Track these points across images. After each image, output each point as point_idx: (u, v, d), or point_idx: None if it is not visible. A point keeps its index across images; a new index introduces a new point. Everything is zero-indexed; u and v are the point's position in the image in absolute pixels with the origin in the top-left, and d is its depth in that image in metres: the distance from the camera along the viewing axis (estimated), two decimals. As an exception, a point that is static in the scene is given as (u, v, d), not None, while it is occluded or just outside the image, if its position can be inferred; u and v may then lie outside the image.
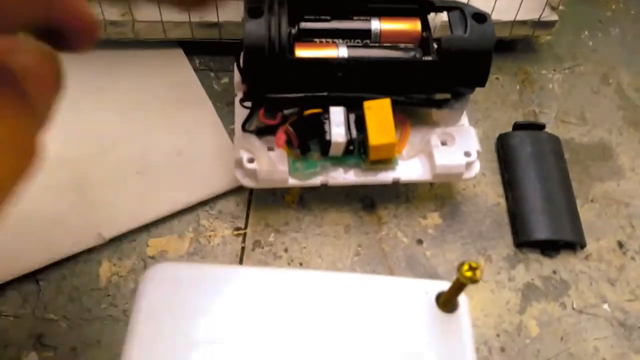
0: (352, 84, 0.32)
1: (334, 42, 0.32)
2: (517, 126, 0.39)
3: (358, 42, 0.33)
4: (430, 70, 0.31)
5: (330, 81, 0.31)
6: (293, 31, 0.32)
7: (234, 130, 0.38)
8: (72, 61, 0.41)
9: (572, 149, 0.40)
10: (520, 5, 0.40)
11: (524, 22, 0.42)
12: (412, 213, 0.36)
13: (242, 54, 0.33)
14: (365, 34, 0.33)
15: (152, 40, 0.41)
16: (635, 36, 0.47)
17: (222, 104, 0.40)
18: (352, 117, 0.32)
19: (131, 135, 0.37)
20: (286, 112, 0.31)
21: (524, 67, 0.44)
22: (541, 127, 0.39)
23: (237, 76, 0.36)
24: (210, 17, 0.40)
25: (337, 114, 0.31)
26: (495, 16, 0.40)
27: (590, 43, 0.46)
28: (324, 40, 0.33)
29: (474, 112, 0.41)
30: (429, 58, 0.32)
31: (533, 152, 0.38)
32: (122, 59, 0.41)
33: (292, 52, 0.31)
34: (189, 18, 0.40)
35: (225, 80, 0.42)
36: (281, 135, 0.31)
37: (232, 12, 0.40)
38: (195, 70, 0.42)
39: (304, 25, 0.32)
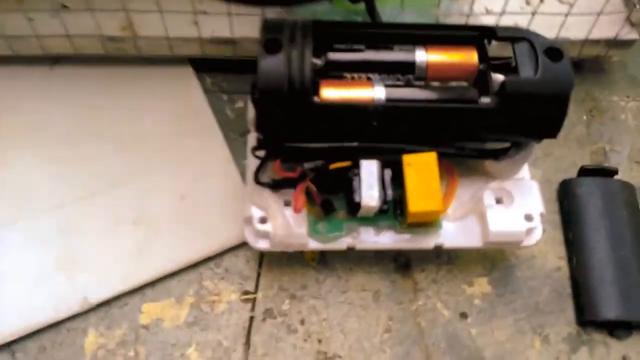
0: (389, 132, 0.26)
1: (368, 79, 0.26)
2: (584, 171, 0.33)
3: (398, 78, 0.27)
4: (489, 118, 0.25)
5: (363, 129, 0.25)
6: (319, 63, 0.26)
7: (244, 166, 0.32)
8: (65, 79, 0.35)
9: (649, 198, 0.33)
10: (595, 23, 0.33)
11: (596, 42, 0.35)
12: (455, 277, 0.30)
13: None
14: (408, 67, 0.26)
15: (157, 57, 0.36)
16: None
17: (235, 134, 0.35)
18: (387, 172, 0.26)
19: (128, 173, 0.32)
20: (307, 165, 0.26)
21: (593, 93, 0.37)
22: (613, 172, 0.33)
23: (250, 111, 0.30)
24: (224, 32, 0.34)
25: (369, 169, 0.25)
26: (563, 33, 0.34)
27: (672, 62, 0.39)
28: (356, 75, 0.27)
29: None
30: (487, 100, 0.25)
31: (603, 205, 0.31)
32: (122, 77, 0.36)
33: (316, 92, 0.25)
34: (199, 33, 0.34)
35: (240, 104, 0.36)
36: (300, 197, 0.25)
37: (248, 27, 0.34)
38: (206, 91, 0.36)
39: (333, 56, 0.26)
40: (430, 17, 0.32)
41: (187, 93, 0.36)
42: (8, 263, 0.29)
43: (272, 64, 0.24)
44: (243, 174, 0.32)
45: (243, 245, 0.30)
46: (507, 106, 0.24)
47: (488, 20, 0.34)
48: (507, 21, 0.34)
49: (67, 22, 0.33)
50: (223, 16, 0.33)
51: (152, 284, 0.29)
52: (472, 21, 0.33)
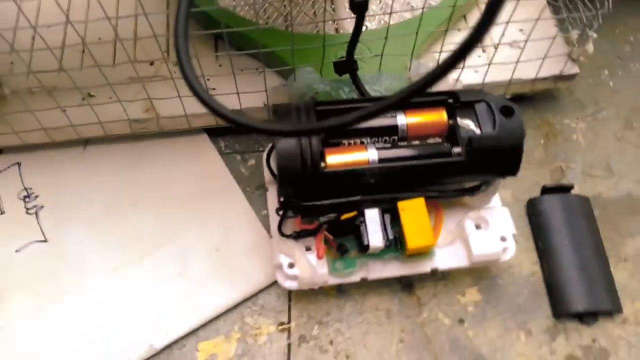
0: (384, 185, 0.32)
1: (362, 143, 0.33)
2: (546, 189, 0.39)
3: (386, 140, 0.33)
4: (461, 167, 0.32)
5: (363, 185, 0.32)
6: (321, 134, 0.32)
7: (266, 216, 0.39)
8: (98, 158, 0.41)
9: (601, 205, 0.40)
10: (542, 64, 0.40)
11: (545, 78, 0.42)
12: (451, 290, 0.37)
13: (271, 153, 0.33)
14: (392, 130, 0.33)
15: (176, 130, 0.42)
16: (655, 72, 0.47)
17: (252, 188, 0.41)
18: (387, 217, 0.32)
19: (166, 234, 0.38)
20: (322, 218, 0.32)
21: (547, 118, 0.44)
22: (570, 188, 0.39)
23: (267, 174, 0.37)
24: (233, 104, 0.40)
25: (372, 217, 0.32)
26: (516, 75, 0.40)
27: (611, 83, 0.46)
28: (352, 141, 0.33)
29: (501, 175, 0.41)
30: (458, 150, 0.32)
31: (564, 217, 0.38)
32: (147, 150, 0.42)
33: (323, 159, 0.31)
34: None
35: (252, 162, 0.42)
36: (320, 246, 0.32)
37: (253, 99, 0.40)
38: (221, 153, 0.42)
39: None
40: (404, 79, 0.39)
41: (205, 157, 0.42)
42: (85, 321, 0.35)
43: (287, 145, 0.30)
44: (264, 223, 0.39)
45: (273, 284, 0.37)
46: (474, 157, 0.31)
47: (452, 73, 0.40)
48: (468, 71, 0.41)
49: (96, 109, 0.39)
50: (231, 91, 0.39)
51: (203, 326, 0.35)
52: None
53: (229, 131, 0.43)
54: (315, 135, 0.30)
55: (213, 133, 0.43)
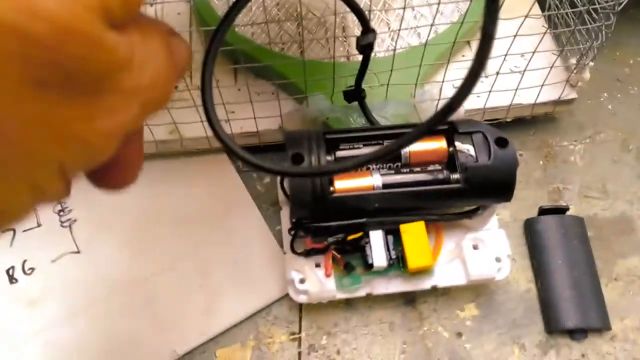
0: (387, 209, 0.35)
1: (367, 169, 0.36)
2: (543, 210, 0.42)
3: (390, 166, 0.36)
4: (459, 194, 0.34)
5: (368, 209, 0.35)
6: (330, 158, 0.35)
7: (279, 232, 0.42)
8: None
9: (595, 225, 0.42)
10: (541, 90, 0.43)
11: (545, 103, 0.44)
12: (450, 305, 0.39)
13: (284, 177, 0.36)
14: (396, 157, 0.36)
15: (198, 150, 0.45)
16: (653, 95, 0.48)
17: (267, 205, 0.44)
18: (390, 237, 0.35)
19: (189, 248, 0.41)
20: (331, 239, 0.35)
21: (546, 140, 0.47)
22: (566, 209, 0.42)
23: (281, 195, 0.40)
24: (250, 128, 0.43)
25: (376, 238, 0.35)
26: (516, 100, 0.43)
27: (610, 106, 0.48)
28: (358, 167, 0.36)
29: (501, 195, 0.43)
30: (457, 176, 0.35)
31: (559, 237, 0.40)
32: (171, 168, 0.45)
33: (332, 184, 0.34)
34: (231, 130, 0.43)
35: (267, 180, 0.45)
36: (328, 264, 0.35)
37: (269, 122, 0.43)
38: (238, 172, 0.45)
39: (340, 154, 0.36)
40: (409, 105, 0.41)
41: (224, 175, 0.45)
42: (113, 327, 0.38)
43: (288, 167, 0.33)
44: (277, 238, 0.42)
45: (285, 296, 0.40)
46: (471, 185, 0.34)
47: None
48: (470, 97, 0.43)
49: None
50: (249, 115, 0.42)
51: (221, 333, 0.39)
52: (442, 103, 0.42)
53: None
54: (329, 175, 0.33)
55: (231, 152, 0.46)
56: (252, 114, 0.41)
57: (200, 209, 0.43)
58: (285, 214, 0.40)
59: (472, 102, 0.44)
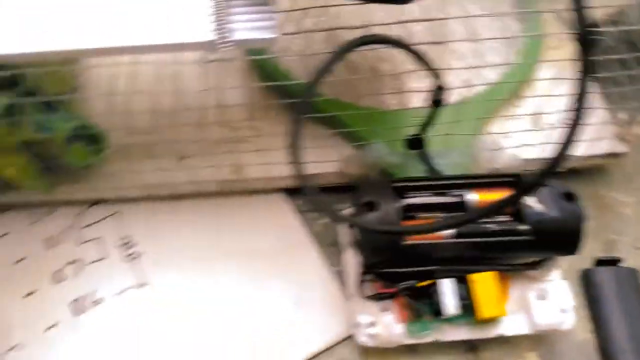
0: (457, 258, 0.36)
1: (435, 218, 0.37)
2: (598, 262, 0.43)
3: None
4: (527, 246, 0.35)
5: (438, 257, 0.36)
6: (398, 205, 0.37)
7: (339, 272, 0.42)
8: (190, 210, 0.46)
9: (650, 278, 0.43)
10: (591, 144, 0.44)
11: (595, 156, 0.45)
12: (512, 353, 0.40)
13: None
14: (463, 206, 0.37)
15: (259, 189, 0.46)
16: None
17: (324, 245, 0.45)
18: (460, 286, 0.36)
19: (250, 286, 0.42)
20: (402, 285, 0.36)
21: (598, 192, 0.48)
22: (619, 260, 0.43)
23: (343, 237, 0.41)
24: (310, 170, 0.45)
25: (446, 287, 0.36)
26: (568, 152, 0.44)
27: (660, 158, 0.49)
28: (425, 215, 0.37)
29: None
30: (524, 229, 0.36)
31: (616, 289, 0.41)
32: (232, 205, 0.46)
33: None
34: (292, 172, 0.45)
35: (324, 220, 0.46)
36: (399, 310, 0.36)
37: (327, 166, 0.44)
38: (298, 211, 0.46)
39: (407, 201, 0.37)
40: (469, 155, 0.43)
41: (284, 214, 0.46)
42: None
43: (372, 221, 0.34)
44: (337, 278, 0.42)
45: (347, 337, 0.40)
46: (539, 238, 0.35)
47: (508, 149, 0.44)
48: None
49: (189, 170, 0.44)
50: (312, 157, 0.43)
51: (284, 374, 0.39)
52: (500, 153, 0.43)
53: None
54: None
55: (290, 192, 0.47)
56: (310, 157, 0.42)
57: (262, 246, 0.44)
58: (349, 257, 0.41)
59: (527, 153, 0.45)
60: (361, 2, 0.34)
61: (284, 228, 0.46)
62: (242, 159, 0.45)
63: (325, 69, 0.31)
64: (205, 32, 0.31)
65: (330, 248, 0.45)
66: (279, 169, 0.46)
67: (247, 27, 0.31)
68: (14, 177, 0.40)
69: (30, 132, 0.36)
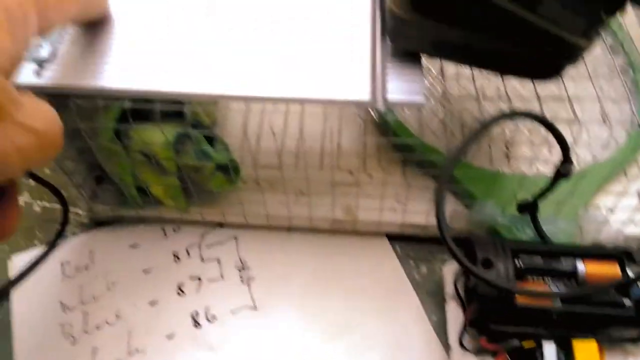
0: (562, 323, 0.38)
1: (545, 282, 0.39)
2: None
3: (564, 283, 0.39)
4: (629, 320, 0.37)
5: (544, 320, 0.38)
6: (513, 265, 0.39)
7: (436, 321, 0.45)
8: (299, 242, 0.49)
9: None
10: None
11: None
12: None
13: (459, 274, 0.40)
14: (572, 275, 0.39)
15: (365, 232, 0.50)
16: None
17: (423, 294, 0.47)
18: (562, 353, 0.38)
19: (350, 324, 0.45)
20: (507, 343, 0.38)
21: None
22: None
23: (449, 288, 0.43)
24: (419, 220, 0.48)
25: (550, 352, 0.38)
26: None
27: None
28: (535, 277, 0.39)
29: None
30: (629, 304, 0.37)
31: None
32: (340, 243, 0.49)
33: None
34: (402, 220, 0.48)
35: (424, 270, 0.49)
36: (504, 367, 0.38)
37: (432, 217, 0.47)
38: (398, 258, 0.49)
39: (520, 263, 0.39)
40: (576, 225, 0.45)
41: (385, 259, 0.49)
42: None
43: (489, 277, 0.37)
44: (435, 329, 0.45)
45: (443, 387, 0.42)
46: None
47: (613, 223, 0.46)
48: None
49: (305, 206, 0.48)
50: (415, 208, 0.46)
51: (379, 411, 0.41)
52: (604, 226, 0.45)
53: (404, 238, 0.50)
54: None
55: (391, 237, 0.50)
56: (420, 207, 0.45)
57: (364, 287, 0.47)
58: (452, 309, 0.43)
59: (630, 228, 0.47)
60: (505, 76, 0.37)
61: (385, 272, 0.48)
62: (354, 201, 0.48)
63: (471, 139, 0.35)
64: (363, 92, 0.35)
65: (428, 298, 0.47)
66: (387, 214, 0.49)
67: (400, 90, 0.35)
68: (160, 195, 0.45)
69: (193, 159, 0.41)
